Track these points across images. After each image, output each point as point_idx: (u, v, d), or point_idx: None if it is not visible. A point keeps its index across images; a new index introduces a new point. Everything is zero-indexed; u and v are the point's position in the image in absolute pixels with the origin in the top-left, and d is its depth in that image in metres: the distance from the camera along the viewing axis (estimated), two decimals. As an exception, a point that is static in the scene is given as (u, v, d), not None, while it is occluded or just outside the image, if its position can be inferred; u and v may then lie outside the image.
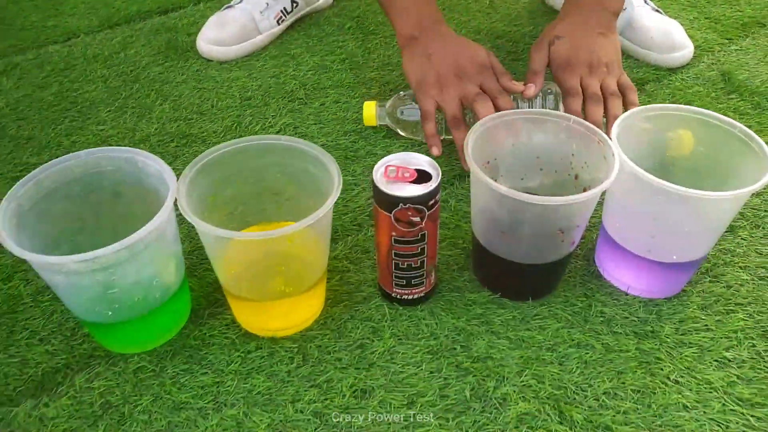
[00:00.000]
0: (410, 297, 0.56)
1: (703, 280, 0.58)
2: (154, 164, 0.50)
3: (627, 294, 0.57)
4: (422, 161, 0.51)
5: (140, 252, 0.45)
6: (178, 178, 0.49)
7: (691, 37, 0.90)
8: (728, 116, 0.55)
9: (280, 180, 0.55)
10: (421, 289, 0.56)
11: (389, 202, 0.49)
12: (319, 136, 0.76)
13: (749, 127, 0.75)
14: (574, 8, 0.76)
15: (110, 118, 0.79)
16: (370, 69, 0.88)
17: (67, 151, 0.72)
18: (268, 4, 0.93)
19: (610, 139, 0.53)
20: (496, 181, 0.51)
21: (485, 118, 0.55)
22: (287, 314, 0.54)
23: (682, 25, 0.91)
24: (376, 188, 0.50)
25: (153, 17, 1.01)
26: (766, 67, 0.88)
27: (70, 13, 1.03)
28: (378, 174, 0.50)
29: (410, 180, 0.50)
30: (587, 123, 0.54)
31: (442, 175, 0.51)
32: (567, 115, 0.55)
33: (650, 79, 0.85)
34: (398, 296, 0.56)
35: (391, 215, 0.50)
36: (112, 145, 0.72)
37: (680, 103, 0.80)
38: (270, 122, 0.78)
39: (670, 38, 0.87)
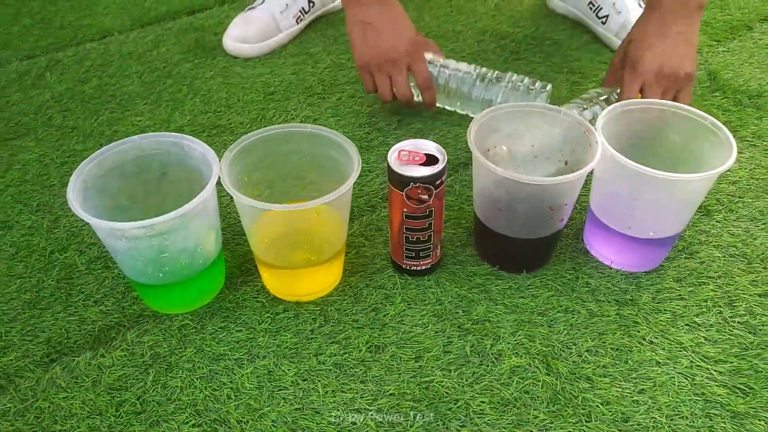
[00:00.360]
0: (418, 268, 0.64)
1: (679, 256, 0.66)
2: (198, 147, 0.57)
3: (610, 268, 0.64)
4: (431, 147, 0.59)
5: (189, 221, 0.53)
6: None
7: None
8: (712, 112, 0.62)
9: (304, 165, 0.63)
10: (428, 261, 0.63)
11: (401, 181, 0.57)
12: (336, 128, 0.83)
13: (730, 122, 0.82)
14: (655, 2, 0.71)
15: (147, 110, 0.87)
16: (382, 67, 0.96)
17: (110, 139, 0.81)
18: (287, 4, 1.00)
19: (596, 129, 0.60)
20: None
21: (484, 111, 0.62)
22: (311, 281, 0.62)
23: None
24: (390, 169, 0.57)
25: (181, 17, 1.09)
26: (749, 67, 0.94)
27: (104, 13, 1.11)
28: (392, 157, 0.58)
29: (420, 163, 0.57)
30: (576, 115, 0.61)
31: (448, 162, 0.58)
32: (558, 107, 0.62)
33: (642, 77, 0.92)
34: (408, 267, 0.64)
35: (403, 193, 0.57)
36: None
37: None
38: (291, 115, 0.86)
39: (660, 39, 0.94)
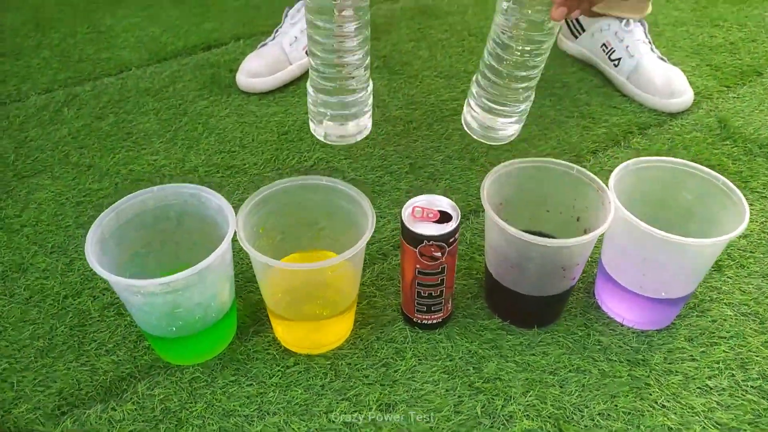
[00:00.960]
0: (430, 322, 0.64)
1: (690, 314, 0.65)
2: (215, 200, 0.58)
3: (622, 325, 0.64)
4: (444, 203, 0.59)
5: (205, 276, 0.53)
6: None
7: (692, 83, 0.98)
8: (722, 162, 0.62)
9: (318, 213, 0.63)
10: (440, 315, 0.63)
11: (415, 238, 0.57)
12: (348, 171, 0.84)
13: (740, 171, 0.83)
14: None
15: (162, 148, 0.88)
16: (395, 107, 0.97)
17: (125, 179, 0.82)
18: (296, 37, 1.02)
19: (608, 187, 0.60)
20: (507, 220, 0.58)
21: (499, 165, 0.63)
22: (323, 334, 0.62)
23: (684, 71, 0.99)
24: (404, 226, 0.57)
25: (197, 53, 1.11)
26: (760, 115, 0.95)
27: (122, 46, 1.13)
28: (406, 213, 0.58)
29: (434, 220, 0.57)
30: (588, 173, 0.62)
31: (460, 209, 0.59)
32: (570, 164, 0.63)
33: (652, 123, 0.93)
34: (419, 321, 0.64)
35: (417, 250, 0.57)
36: (165, 174, 0.82)
37: (678, 148, 0.88)
38: (305, 156, 0.87)
39: (671, 84, 0.95)
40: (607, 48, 1.02)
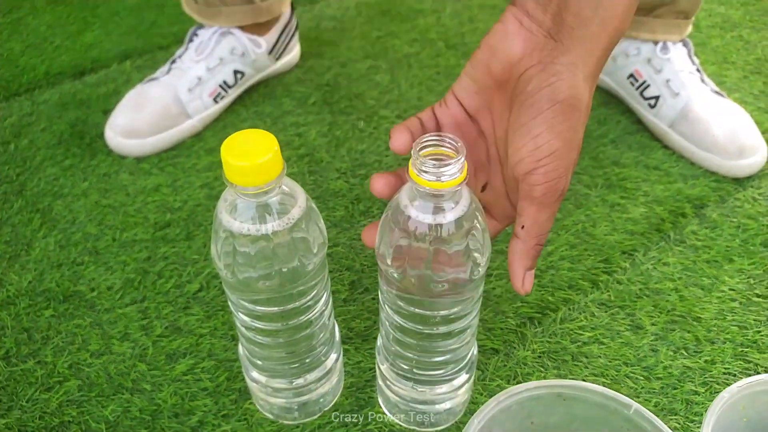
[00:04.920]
0: None
1: None
2: None
3: None
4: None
5: None
6: None
7: (758, 123, 0.68)
8: None
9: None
10: None
11: None
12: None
13: None
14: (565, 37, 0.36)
15: (-31, 261, 0.58)
16: (335, 174, 0.66)
17: None
18: (200, 78, 0.70)
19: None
20: None
21: (492, 398, 0.34)
22: None
23: (744, 105, 0.70)
24: None
25: (63, 82, 0.79)
26: None
27: (-39, 72, 0.81)
28: None
29: None
30: (653, 417, 0.33)
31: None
32: (626, 399, 0.34)
33: (710, 198, 0.63)
34: None
35: None
36: None
37: (756, 243, 0.60)
38: (189, 273, 0.56)
39: (737, 138, 0.65)
40: (636, 81, 0.71)
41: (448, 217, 0.34)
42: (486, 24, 0.90)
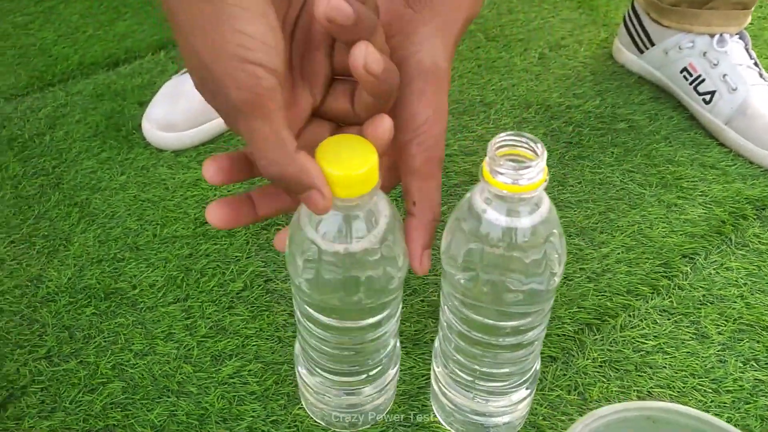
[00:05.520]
0: None
1: None
2: None
3: None
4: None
5: None
6: None
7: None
8: None
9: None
10: None
11: None
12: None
13: None
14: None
15: (9, 256, 0.56)
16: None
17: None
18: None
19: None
20: None
21: (580, 421, 0.32)
22: None
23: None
24: None
25: (97, 73, 0.77)
26: None
27: (-6, 62, 0.80)
28: None
29: None
30: None
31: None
32: (724, 425, 0.31)
33: (773, 197, 0.61)
34: None
35: None
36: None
37: None
38: (232, 271, 0.54)
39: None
40: (690, 75, 0.68)
41: (525, 222, 0.32)
42: (525, 15, 0.87)
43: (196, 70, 0.29)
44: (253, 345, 0.49)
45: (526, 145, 0.32)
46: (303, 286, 0.34)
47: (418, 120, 0.33)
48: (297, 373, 0.43)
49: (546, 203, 0.33)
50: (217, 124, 0.67)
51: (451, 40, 0.35)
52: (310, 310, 0.36)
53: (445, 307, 0.39)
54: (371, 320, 0.36)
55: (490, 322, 0.36)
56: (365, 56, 0.27)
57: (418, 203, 0.34)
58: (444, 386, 0.43)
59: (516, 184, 0.31)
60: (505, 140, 0.32)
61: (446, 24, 0.35)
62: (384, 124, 0.31)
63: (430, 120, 0.33)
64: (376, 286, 0.34)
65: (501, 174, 0.31)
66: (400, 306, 0.39)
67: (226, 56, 0.27)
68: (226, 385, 0.47)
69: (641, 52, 0.74)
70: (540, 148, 0.31)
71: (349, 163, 0.30)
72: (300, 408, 0.45)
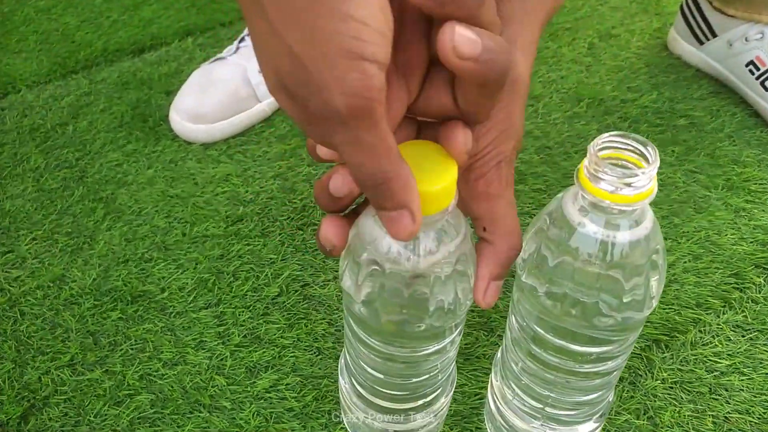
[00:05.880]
0: None
1: None
2: None
3: None
4: None
5: None
6: None
7: None
8: None
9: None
10: None
11: None
12: (335, 301, 0.50)
13: None
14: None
15: (30, 254, 0.54)
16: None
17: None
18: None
19: None
20: None
21: None
22: None
23: None
24: None
25: (122, 59, 0.74)
26: None
27: (17, 49, 0.77)
28: None
29: None
30: None
31: None
32: None
33: None
34: None
35: None
36: (24, 312, 0.46)
37: None
38: (266, 274, 0.51)
39: None
40: (758, 69, 0.63)
41: (626, 236, 0.28)
42: (572, 2, 0.82)
43: (284, 73, 0.23)
44: (291, 356, 0.46)
45: (634, 149, 0.27)
46: (362, 313, 0.30)
47: (488, 138, 0.28)
48: (340, 387, 0.40)
49: (650, 216, 0.28)
50: (247, 116, 0.64)
51: (530, 41, 0.29)
52: (369, 338, 0.32)
53: (517, 326, 0.35)
54: (435, 347, 0.32)
55: (572, 346, 0.32)
56: (454, 37, 0.22)
57: (491, 228, 0.29)
58: (501, 402, 0.39)
59: (619, 193, 0.27)
60: (609, 141, 0.28)
61: (528, 22, 0.29)
62: (457, 137, 0.26)
63: (499, 137, 0.28)
64: (444, 310, 0.30)
65: (603, 180, 0.27)
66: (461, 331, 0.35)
67: (334, 52, 0.21)
68: (262, 400, 0.43)
69: (701, 43, 0.69)
70: (652, 153, 0.27)
71: (429, 176, 0.25)
72: (342, 428, 0.42)
